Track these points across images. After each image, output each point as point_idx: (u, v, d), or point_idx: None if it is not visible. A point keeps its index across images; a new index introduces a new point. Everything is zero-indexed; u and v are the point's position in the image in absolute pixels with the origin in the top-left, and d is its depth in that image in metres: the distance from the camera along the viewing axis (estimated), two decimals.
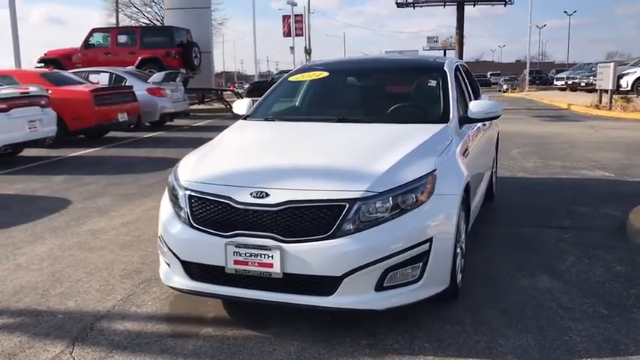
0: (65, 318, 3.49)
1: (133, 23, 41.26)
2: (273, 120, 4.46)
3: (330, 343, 3.12)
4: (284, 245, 3.02)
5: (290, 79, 5.03)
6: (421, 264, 3.16)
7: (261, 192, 3.12)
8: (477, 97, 5.53)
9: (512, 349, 3.03)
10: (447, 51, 70.53)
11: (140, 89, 14.15)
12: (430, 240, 3.16)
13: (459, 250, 3.60)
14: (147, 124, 14.99)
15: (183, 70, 18.60)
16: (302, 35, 49.21)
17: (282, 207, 3.05)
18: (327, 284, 3.04)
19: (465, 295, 3.69)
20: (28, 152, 10.66)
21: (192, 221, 3.27)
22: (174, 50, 19.61)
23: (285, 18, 48.48)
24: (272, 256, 3.03)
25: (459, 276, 3.70)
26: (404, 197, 3.15)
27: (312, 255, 3.00)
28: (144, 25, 39.93)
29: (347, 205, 3.03)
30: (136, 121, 13.76)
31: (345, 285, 3.02)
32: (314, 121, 4.34)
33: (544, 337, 3.15)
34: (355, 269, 3.00)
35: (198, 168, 3.54)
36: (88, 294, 3.86)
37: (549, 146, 10.74)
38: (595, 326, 3.28)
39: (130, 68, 15.98)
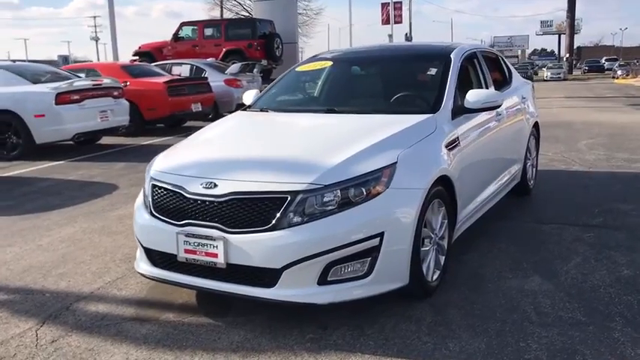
0: (51, 297, 3.73)
1: (233, 16, 42.58)
2: (267, 111, 4.47)
3: (276, 334, 3.12)
4: (227, 236, 3.05)
5: (297, 69, 5.02)
6: (370, 259, 3.07)
7: (211, 183, 3.16)
8: (501, 86, 5.25)
9: (457, 354, 2.88)
10: (561, 36, 66.79)
11: (218, 80, 14.61)
12: (381, 235, 3.06)
13: (429, 247, 3.47)
14: (224, 114, 15.47)
15: (264, 62, 19.00)
16: (401, 22, 48.62)
17: (226, 198, 3.08)
18: (268, 276, 3.03)
19: (441, 294, 3.55)
20: (106, 140, 11.37)
21: (152, 209, 3.38)
22: (257, 42, 20.06)
23: (384, 5, 48.00)
24: (216, 247, 3.07)
25: (435, 274, 3.56)
26: (354, 190, 3.08)
27: (253, 246, 3.01)
28: (244, 17, 41.08)
29: (289, 198, 3.00)
30: (213, 110, 14.23)
31: (286, 277, 3.00)
32: (304, 112, 4.31)
33: (499, 343, 2.97)
34: (295, 262, 2.97)
35: (167, 158, 3.65)
36: (83, 276, 4.10)
37: (624, 137, 9.94)
38: (561, 334, 3.04)
39: (210, 60, 16.54)
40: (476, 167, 4.20)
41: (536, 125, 6.01)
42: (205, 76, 14.64)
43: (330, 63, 4.88)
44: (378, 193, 3.12)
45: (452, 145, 3.79)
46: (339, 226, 3.01)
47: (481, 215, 4.55)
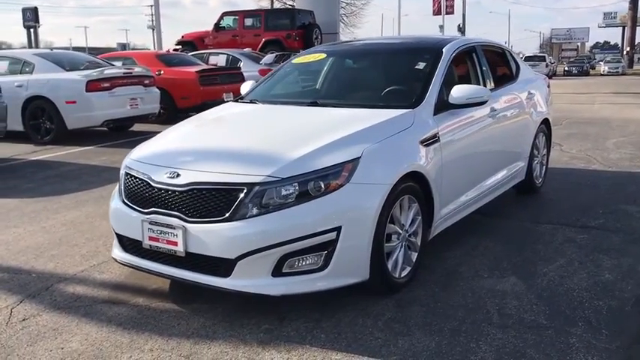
0: (36, 277, 3.90)
1: (281, 7, 42.74)
2: (256, 102, 4.52)
3: (234, 324, 3.18)
4: (187, 225, 3.12)
5: (294, 61, 5.04)
6: (326, 253, 3.09)
7: (175, 172, 3.23)
8: (504, 82, 5.14)
9: (404, 351, 2.87)
10: (625, 28, 64.03)
11: (252, 70, 14.75)
12: (338, 229, 3.07)
13: (396, 242, 3.45)
14: None
15: (301, 52, 19.02)
16: (453, 13, 47.81)
17: (186, 188, 3.14)
18: (224, 266, 3.09)
19: (409, 291, 3.54)
20: (139, 127, 11.68)
21: (123, 197, 3.48)
22: (295, 32, 20.12)
23: None
24: (176, 235, 3.15)
25: (405, 270, 3.55)
26: (313, 184, 3.09)
27: (209, 236, 3.07)
28: (290, 6, 41.19)
29: (245, 189, 3.04)
30: None
31: (240, 268, 3.05)
32: (289, 104, 4.34)
33: (449, 343, 2.94)
34: (248, 253, 3.02)
35: (142, 147, 3.75)
36: (72, 258, 4.26)
37: None
38: (516, 337, 2.98)
39: (246, 50, 16.73)
40: (462, 164, 4.14)
41: (546, 122, 5.84)
42: (240, 65, 14.80)
43: (324, 55, 4.88)
44: (337, 188, 3.12)
45: (429, 141, 3.74)
46: (294, 218, 3.03)
47: (471, 212, 4.48)
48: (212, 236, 3.06)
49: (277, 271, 3.07)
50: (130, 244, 3.46)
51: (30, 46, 28.30)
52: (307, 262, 3.10)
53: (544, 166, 6.00)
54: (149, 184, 3.30)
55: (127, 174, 3.52)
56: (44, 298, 3.56)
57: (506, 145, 4.99)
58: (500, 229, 4.71)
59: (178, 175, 3.21)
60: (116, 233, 3.55)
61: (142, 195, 3.33)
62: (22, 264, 4.16)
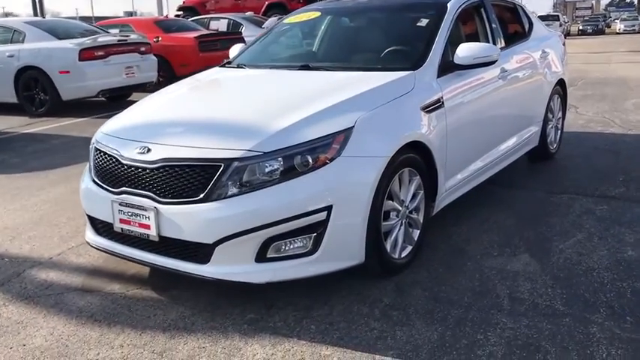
0: (8, 262, 3.61)
1: None
2: (244, 67, 4.14)
3: (215, 313, 2.88)
4: (159, 206, 2.79)
5: (286, 20, 4.64)
6: (315, 235, 2.76)
7: (145, 147, 2.90)
8: (515, 39, 4.71)
9: (402, 345, 2.56)
10: None
11: (254, 35, 14.22)
12: (328, 209, 2.74)
13: (395, 221, 3.12)
14: None
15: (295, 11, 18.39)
16: None
17: (158, 165, 2.81)
18: (201, 251, 2.77)
19: (410, 272, 3.21)
20: (138, 96, 11.30)
21: (92, 174, 3.16)
22: None
23: None
24: (148, 217, 2.83)
25: (405, 250, 3.23)
26: (300, 158, 2.75)
27: (184, 219, 2.74)
28: None
29: (222, 166, 2.70)
30: None
31: (219, 253, 2.73)
32: (278, 69, 3.95)
33: (453, 334, 2.62)
34: (228, 237, 2.69)
35: (115, 119, 3.42)
36: (50, 239, 3.96)
37: None
38: (529, 326, 2.65)
39: (248, 14, 16.18)
40: (469, 131, 3.77)
41: (561, 83, 5.41)
42: (242, 30, 14.32)
43: (318, 14, 4.46)
44: (328, 162, 2.77)
45: (432, 106, 3.37)
46: (279, 198, 2.69)
47: (480, 183, 4.12)
48: (187, 219, 2.73)
49: (261, 257, 2.74)
50: (102, 227, 3.15)
51: (35, 16, 27.79)
52: (295, 246, 2.77)
53: (559, 131, 5.60)
54: (119, 160, 2.97)
55: (96, 149, 3.19)
56: (13, 286, 3.27)
57: (519, 109, 4.59)
58: (511, 201, 4.35)
59: (149, 151, 2.87)
60: (87, 215, 3.23)
61: (112, 173, 3.01)
62: None
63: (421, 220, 3.36)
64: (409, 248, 3.27)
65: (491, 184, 4.50)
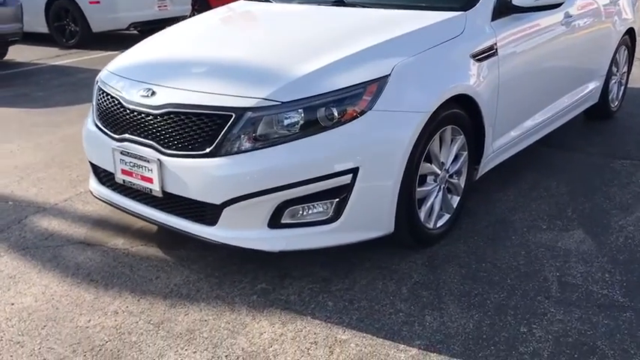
0: (12, 206, 3.37)
1: None
2: (270, 1, 3.69)
3: (223, 280, 2.58)
4: (163, 158, 2.45)
5: None
6: (337, 200, 2.39)
7: (149, 89, 2.53)
8: None
9: (432, 333, 2.21)
10: None
11: None
12: (354, 171, 2.36)
13: (432, 186, 2.73)
14: None
15: None
16: None
17: (162, 110, 2.45)
18: (209, 212, 2.44)
19: (445, 244, 2.85)
20: None
21: (95, 118, 2.83)
22: None
23: None
24: (151, 170, 2.50)
25: (442, 219, 2.85)
26: (324, 110, 2.35)
27: (189, 175, 2.40)
28: None
29: (233, 116, 2.33)
30: None
31: (228, 216, 2.39)
32: (308, 3, 3.48)
33: (493, 323, 2.25)
34: (237, 198, 2.34)
35: (123, 55, 3.05)
36: (58, 183, 3.70)
37: None
38: (582, 320, 2.27)
39: None
40: (524, 85, 3.29)
41: (630, 32, 4.80)
42: None
43: None
44: (357, 116, 2.36)
45: (484, 54, 2.90)
46: (297, 156, 2.32)
47: (531, 144, 3.66)
48: (192, 175, 2.39)
49: (275, 222, 2.40)
50: (104, 176, 2.85)
51: None
52: (313, 212, 2.41)
53: (622, 87, 5.02)
54: (121, 103, 2.63)
55: (99, 89, 2.85)
56: (12, 234, 3.03)
57: (581, 61, 4.05)
58: (564, 165, 3.88)
59: (153, 94, 2.51)
60: (90, 162, 2.93)
61: (114, 117, 2.67)
62: (1, 187, 3.63)
63: (462, 186, 2.96)
64: (446, 217, 2.88)
65: (541, 145, 4.04)
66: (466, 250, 2.80)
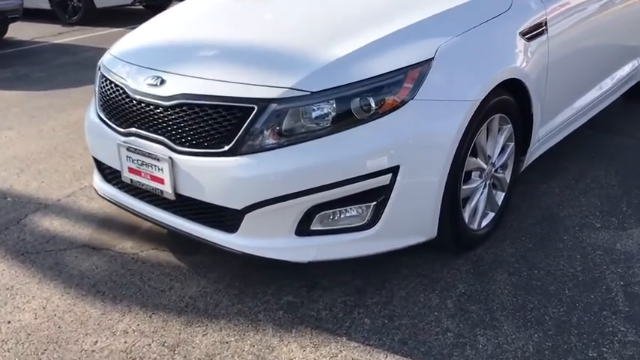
0: (11, 202, 3.10)
1: None
2: None
3: (244, 291, 2.30)
4: (175, 156, 2.15)
5: None
6: (375, 204, 2.08)
7: (158, 78, 2.22)
8: None
9: (487, 358, 1.92)
10: None
11: None
12: (395, 170, 2.05)
13: (478, 182, 2.42)
14: None
15: None
16: None
17: (173, 102, 2.14)
18: (229, 218, 2.15)
19: (490, 247, 2.55)
20: None
21: (98, 108, 2.52)
22: None
23: None
24: (162, 170, 2.20)
25: (486, 218, 2.54)
26: (358, 101, 2.04)
27: (205, 175, 2.10)
28: None
29: (255, 109, 2.01)
30: None
31: (250, 222, 2.10)
32: None
33: (555, 346, 1.97)
34: (260, 203, 2.04)
35: (128, 37, 2.74)
36: (61, 176, 3.42)
37: None
38: None
39: None
40: (573, 63, 2.97)
41: None
42: None
43: None
44: (397, 107, 2.05)
45: (534, 31, 2.57)
46: (329, 154, 2.01)
47: (575, 129, 3.33)
48: (209, 176, 2.09)
49: (304, 228, 2.10)
50: (110, 174, 2.55)
51: None
52: (347, 217, 2.12)
53: None
54: (126, 92, 2.31)
55: (102, 77, 2.54)
56: (10, 237, 2.75)
57: (632, 35, 3.69)
58: (611, 151, 3.55)
59: (163, 82, 2.20)
60: (93, 157, 2.63)
61: (119, 109, 2.36)
62: (1, 181, 3.35)
63: (508, 180, 2.65)
64: (490, 216, 2.58)
65: (585, 129, 3.69)
66: (514, 253, 2.50)
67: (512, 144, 2.60)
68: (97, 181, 2.67)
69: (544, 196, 2.98)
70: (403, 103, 2.06)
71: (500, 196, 2.64)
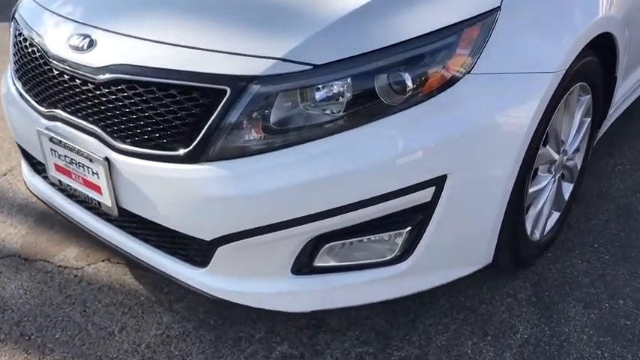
0: None
1: None
2: None
3: (223, 333, 1.66)
4: (113, 156, 1.45)
5: None
6: (408, 230, 1.40)
7: (86, 36, 1.48)
8: None
9: None
10: None
11: None
12: (440, 181, 1.35)
13: (548, 179, 1.73)
14: None
15: None
16: None
17: (108, 75, 1.41)
18: (196, 247, 1.47)
19: (554, 260, 1.90)
20: None
21: (13, 75, 1.79)
22: None
23: None
24: (97, 174, 1.50)
25: (550, 221, 1.86)
26: (387, 78, 1.31)
27: (156, 188, 1.41)
28: None
29: (228, 92, 1.29)
30: None
31: (225, 256, 1.42)
32: None
33: None
34: (239, 234, 1.36)
35: None
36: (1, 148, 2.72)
37: None
38: None
39: None
40: None
41: None
42: None
43: None
44: (446, 86, 1.33)
45: None
46: (343, 160, 1.32)
47: None
48: (161, 189, 1.41)
49: (304, 264, 1.43)
50: (39, 163, 1.85)
51: None
52: (369, 246, 1.44)
53: None
54: (44, 57, 1.58)
55: (16, 30, 1.79)
56: None
57: None
58: None
59: (92, 44, 1.46)
60: (16, 142, 1.93)
61: (37, 79, 1.63)
62: None
63: (579, 166, 1.96)
64: (555, 216, 1.92)
65: None
66: (587, 270, 1.85)
67: (589, 119, 1.90)
68: (26, 172, 1.98)
69: (612, 179, 2.31)
70: (455, 79, 1.34)
71: (568, 190, 1.96)
